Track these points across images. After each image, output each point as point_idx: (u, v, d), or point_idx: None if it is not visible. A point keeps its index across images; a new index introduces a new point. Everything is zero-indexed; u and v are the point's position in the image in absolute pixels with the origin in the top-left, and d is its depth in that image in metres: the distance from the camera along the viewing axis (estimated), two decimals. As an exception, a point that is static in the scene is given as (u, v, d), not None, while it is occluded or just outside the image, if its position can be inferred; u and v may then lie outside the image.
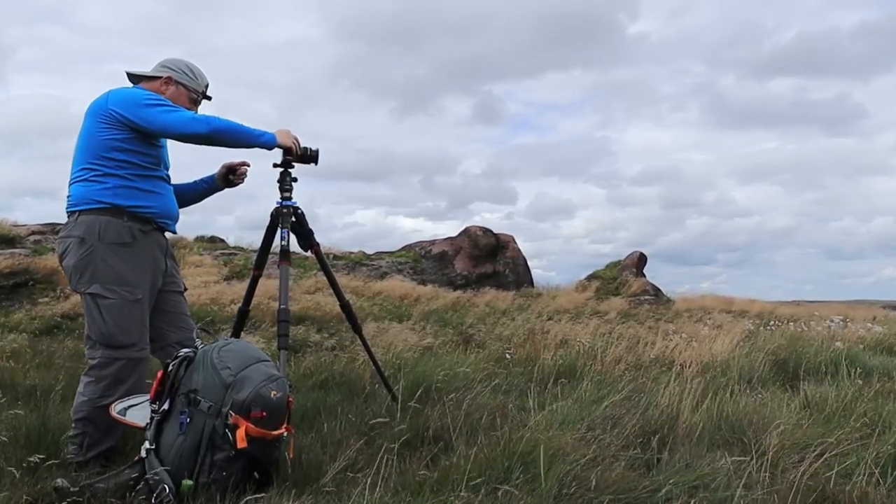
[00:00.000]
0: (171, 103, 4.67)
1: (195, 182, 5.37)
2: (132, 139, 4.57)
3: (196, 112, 4.97)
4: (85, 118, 4.67)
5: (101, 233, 4.48)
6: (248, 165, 5.28)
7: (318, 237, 5.50)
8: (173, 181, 5.20)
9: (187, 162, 5.34)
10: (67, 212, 4.65)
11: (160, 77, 4.89)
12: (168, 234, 4.95)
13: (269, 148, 4.95)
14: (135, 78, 4.95)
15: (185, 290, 5.22)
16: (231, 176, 5.32)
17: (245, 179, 5.35)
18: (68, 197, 4.66)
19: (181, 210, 5.29)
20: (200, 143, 4.62)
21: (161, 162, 4.82)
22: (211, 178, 5.35)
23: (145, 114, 4.51)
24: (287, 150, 5.12)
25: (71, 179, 4.67)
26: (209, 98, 5.13)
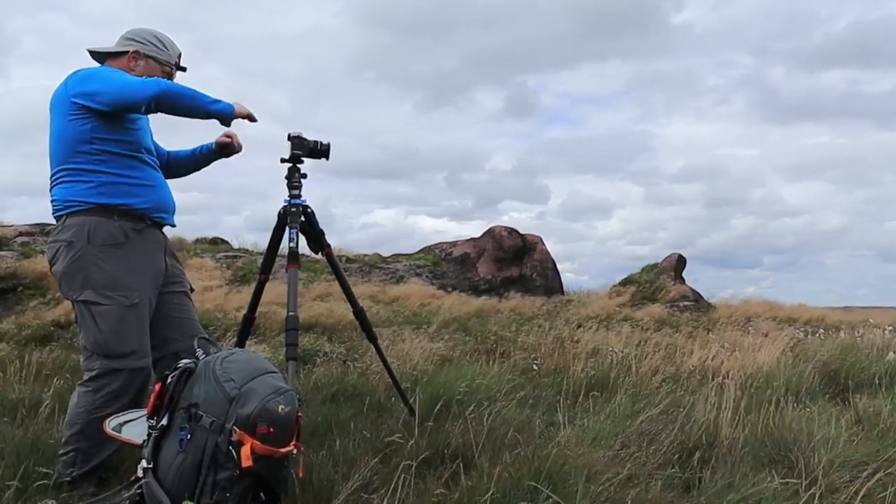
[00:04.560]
0: (117, 71, 4.61)
1: (193, 150, 5.37)
2: (103, 126, 4.51)
3: None
4: (50, 112, 4.64)
5: (90, 235, 4.45)
6: (254, 120, 5.03)
7: (332, 238, 5.51)
8: (172, 148, 5.26)
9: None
10: (54, 217, 4.64)
11: (126, 52, 4.82)
12: (168, 231, 4.94)
13: (225, 118, 4.77)
14: (98, 56, 4.88)
15: (192, 290, 5.21)
16: (226, 151, 5.29)
17: (241, 148, 5.29)
18: (52, 201, 4.62)
19: (179, 179, 5.36)
20: (151, 110, 4.52)
21: (141, 147, 4.76)
22: (209, 145, 5.33)
23: (92, 89, 4.45)
24: (250, 119, 4.93)
25: (51, 182, 4.64)
26: (184, 69, 5.07)
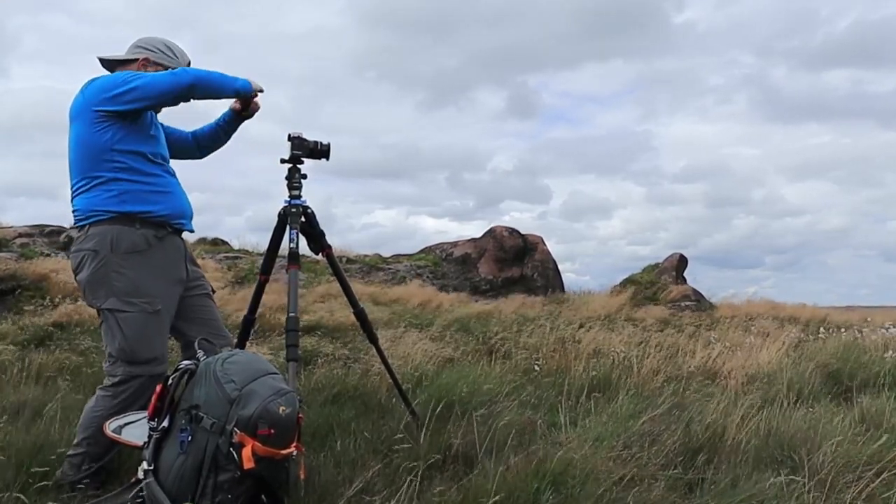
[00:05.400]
0: (144, 74, 4.63)
1: (216, 122, 5.40)
2: (123, 135, 4.55)
3: None
4: (70, 122, 4.66)
5: (113, 243, 4.48)
6: (262, 90, 5.12)
7: (333, 239, 5.50)
8: (191, 129, 5.34)
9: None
10: (76, 226, 4.67)
11: (136, 60, 4.86)
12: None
13: (247, 95, 4.95)
14: (108, 64, 4.91)
15: (214, 291, 5.24)
16: (243, 113, 5.28)
17: (258, 107, 5.25)
18: (74, 211, 4.66)
19: (213, 154, 5.49)
20: (184, 99, 4.63)
21: (158, 155, 4.80)
22: (228, 113, 5.35)
23: (124, 93, 4.47)
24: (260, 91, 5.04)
25: (72, 192, 4.67)
26: None
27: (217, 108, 5.26)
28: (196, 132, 5.40)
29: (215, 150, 5.51)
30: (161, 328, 4.65)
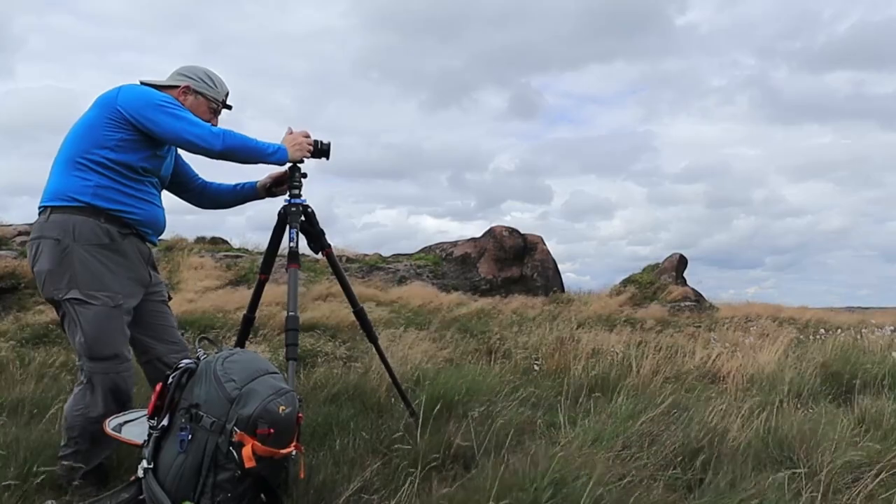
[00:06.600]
0: (185, 109, 4.67)
1: (234, 185, 5.48)
2: (130, 142, 4.54)
3: (216, 123, 5.01)
4: (91, 107, 4.64)
5: (75, 233, 4.42)
6: (308, 151, 5.20)
7: (334, 238, 5.52)
8: (212, 180, 5.40)
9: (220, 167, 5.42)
10: (39, 207, 4.59)
11: (178, 87, 4.89)
12: (169, 229, 4.94)
13: (282, 164, 4.99)
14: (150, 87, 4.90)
15: (170, 298, 5.20)
16: (274, 188, 5.41)
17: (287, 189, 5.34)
18: (46, 189, 4.60)
19: (213, 210, 5.56)
20: (211, 158, 4.64)
21: (154, 174, 4.80)
22: (252, 185, 5.45)
23: (157, 117, 4.50)
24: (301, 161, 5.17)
25: (54, 165, 4.63)
26: (229, 107, 5.16)
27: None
28: (208, 183, 5.46)
29: (215, 208, 5.61)
30: (122, 324, 4.58)
